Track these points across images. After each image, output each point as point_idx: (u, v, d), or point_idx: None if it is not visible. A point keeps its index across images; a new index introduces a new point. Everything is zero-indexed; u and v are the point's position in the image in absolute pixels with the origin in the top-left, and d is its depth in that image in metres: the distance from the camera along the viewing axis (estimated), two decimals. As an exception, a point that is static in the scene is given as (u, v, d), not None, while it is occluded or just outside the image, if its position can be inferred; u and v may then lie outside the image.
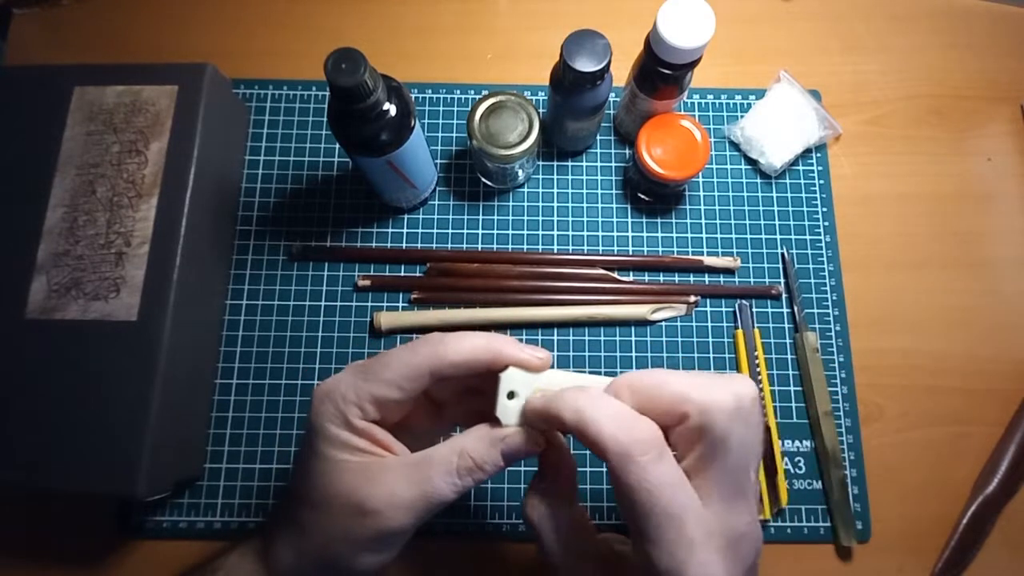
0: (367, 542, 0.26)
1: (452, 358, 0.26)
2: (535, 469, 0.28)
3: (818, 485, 0.42)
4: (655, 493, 0.22)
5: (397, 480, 0.25)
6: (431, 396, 0.30)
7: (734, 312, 0.44)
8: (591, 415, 0.23)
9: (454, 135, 0.48)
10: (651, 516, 0.22)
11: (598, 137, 0.48)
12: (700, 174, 0.46)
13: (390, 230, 0.46)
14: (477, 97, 0.42)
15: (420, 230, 0.46)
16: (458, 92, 0.49)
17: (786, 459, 0.42)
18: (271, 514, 0.30)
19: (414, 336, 0.44)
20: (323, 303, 0.44)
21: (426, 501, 0.25)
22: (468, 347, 0.26)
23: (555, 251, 0.46)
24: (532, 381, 0.27)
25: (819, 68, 0.50)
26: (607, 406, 0.23)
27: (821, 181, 0.47)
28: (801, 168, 0.48)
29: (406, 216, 0.46)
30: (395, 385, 0.26)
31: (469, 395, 0.31)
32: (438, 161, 0.47)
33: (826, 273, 0.45)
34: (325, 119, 0.48)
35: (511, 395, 0.26)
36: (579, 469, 0.37)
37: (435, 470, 0.25)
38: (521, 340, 0.43)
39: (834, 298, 0.45)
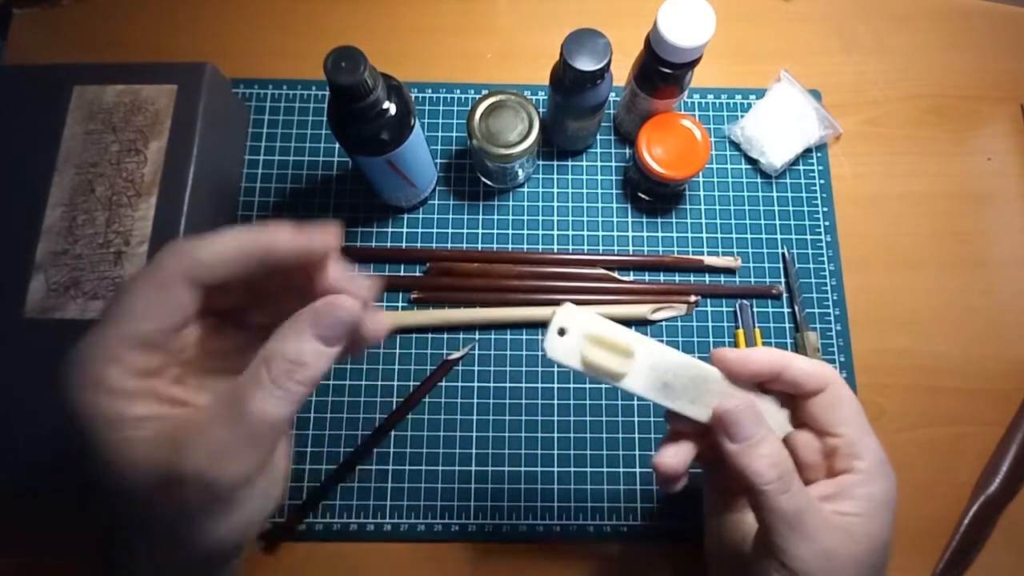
0: (203, 509, 0.20)
1: (206, 258, 0.21)
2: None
3: (819, 485, 0.42)
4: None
5: (212, 427, 0.20)
6: (217, 312, 0.23)
7: (735, 312, 0.44)
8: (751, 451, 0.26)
9: (454, 135, 0.48)
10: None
11: (598, 137, 0.48)
12: (700, 174, 0.46)
13: (390, 230, 0.46)
14: (477, 97, 0.42)
15: (420, 230, 0.46)
16: (458, 92, 0.49)
17: (787, 459, 0.42)
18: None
19: (414, 336, 0.44)
20: (323, 303, 0.44)
21: (256, 434, 0.20)
22: (222, 248, 0.21)
23: (555, 251, 0.46)
24: (587, 325, 0.26)
25: (819, 68, 0.50)
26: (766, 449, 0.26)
27: (821, 181, 0.47)
28: (801, 168, 0.48)
29: (406, 216, 0.46)
30: (147, 316, 0.20)
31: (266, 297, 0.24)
32: (438, 161, 0.47)
33: (826, 273, 0.45)
34: (325, 119, 0.48)
35: (562, 331, 0.26)
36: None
37: (249, 394, 0.20)
38: (521, 340, 0.44)
39: (835, 298, 0.45)
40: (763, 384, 0.29)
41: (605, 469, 0.42)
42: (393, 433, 0.42)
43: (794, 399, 0.28)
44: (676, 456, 0.28)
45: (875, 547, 0.27)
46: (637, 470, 0.42)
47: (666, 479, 0.28)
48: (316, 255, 0.22)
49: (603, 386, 0.43)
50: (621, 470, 0.42)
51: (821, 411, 0.28)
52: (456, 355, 0.43)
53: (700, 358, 0.29)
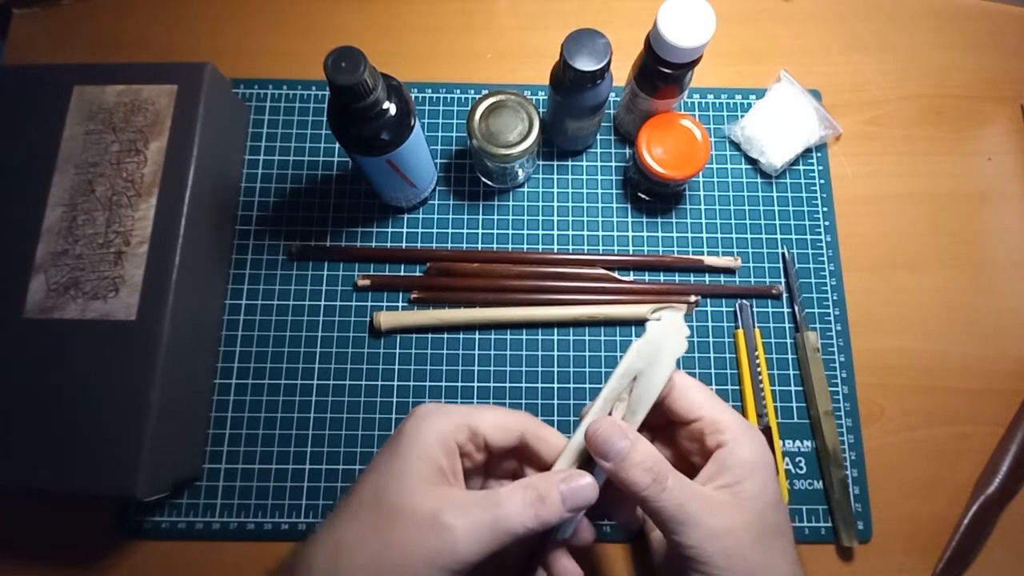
0: (439, 561, 0.24)
1: (547, 434, 0.30)
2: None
3: (819, 485, 0.42)
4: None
5: (471, 504, 0.25)
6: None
7: (734, 312, 0.44)
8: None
9: (454, 135, 0.48)
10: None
11: (598, 137, 0.48)
12: (700, 174, 0.46)
13: (390, 230, 0.46)
14: (477, 97, 0.42)
15: (420, 230, 0.46)
16: (458, 92, 0.49)
17: (787, 459, 0.42)
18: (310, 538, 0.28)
19: (414, 336, 0.44)
20: (323, 303, 0.44)
21: (496, 525, 0.25)
22: (558, 438, 0.30)
23: (555, 251, 0.46)
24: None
25: (819, 68, 0.50)
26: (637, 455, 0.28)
27: (821, 181, 0.47)
28: (801, 168, 0.48)
29: (406, 216, 0.46)
30: (496, 426, 0.29)
31: None
32: (438, 161, 0.47)
33: (826, 273, 0.45)
34: (325, 119, 0.48)
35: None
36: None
37: (507, 498, 0.26)
38: (521, 340, 0.44)
39: (835, 298, 0.45)
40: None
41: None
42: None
43: (657, 406, 0.30)
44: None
45: (764, 507, 0.28)
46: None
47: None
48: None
49: (602, 386, 0.43)
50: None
51: (675, 404, 0.30)
52: None
53: (683, 366, 0.30)
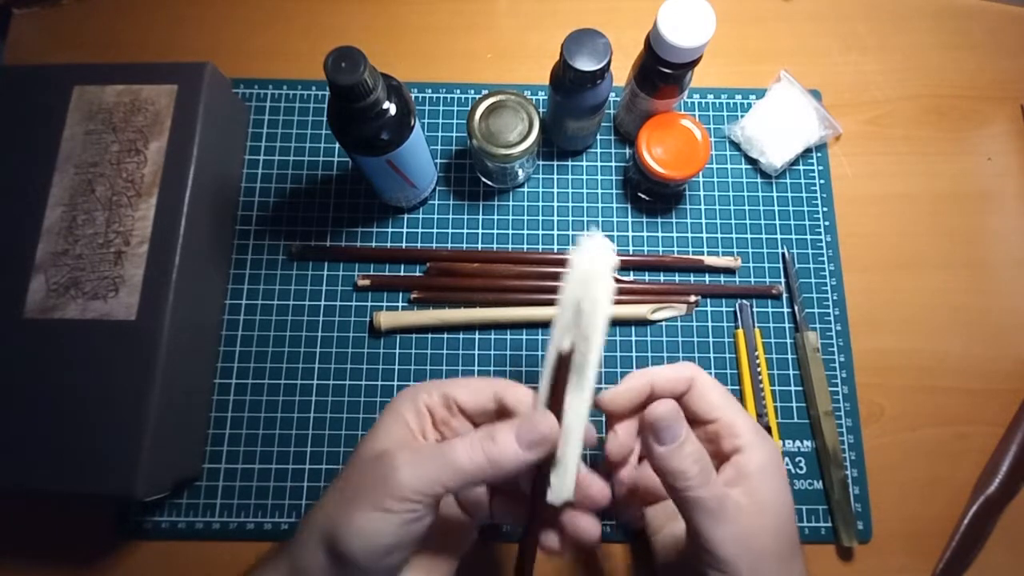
0: (382, 490, 0.25)
1: (518, 391, 0.30)
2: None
3: (819, 485, 0.42)
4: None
5: (424, 448, 0.26)
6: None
7: (734, 312, 0.44)
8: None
9: (454, 135, 0.48)
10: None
11: (598, 137, 0.48)
12: (700, 174, 0.46)
13: (390, 230, 0.46)
14: (477, 97, 0.42)
15: (420, 230, 0.46)
16: (458, 92, 0.49)
17: (787, 459, 0.42)
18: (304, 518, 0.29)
19: (414, 336, 0.44)
20: (323, 303, 0.44)
21: (440, 461, 0.25)
22: (531, 393, 0.29)
23: (555, 251, 0.46)
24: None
25: (819, 68, 0.50)
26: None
27: (821, 181, 0.47)
28: (801, 168, 0.48)
29: (406, 216, 0.46)
30: (466, 388, 0.30)
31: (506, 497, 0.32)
32: (438, 161, 0.47)
33: (826, 273, 0.45)
34: (325, 119, 0.48)
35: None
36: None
37: (457, 441, 0.26)
38: (521, 340, 0.44)
39: (834, 298, 0.45)
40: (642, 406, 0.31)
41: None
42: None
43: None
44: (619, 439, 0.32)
45: (781, 510, 0.28)
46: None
47: (616, 464, 0.33)
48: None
49: (604, 386, 0.43)
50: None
51: (694, 404, 0.31)
52: None
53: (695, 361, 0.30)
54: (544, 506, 0.28)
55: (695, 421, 0.31)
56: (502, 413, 0.30)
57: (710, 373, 0.43)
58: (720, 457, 0.30)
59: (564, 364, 0.28)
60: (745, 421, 0.30)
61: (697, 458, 0.27)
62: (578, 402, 0.28)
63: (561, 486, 0.27)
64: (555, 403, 0.28)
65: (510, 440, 0.26)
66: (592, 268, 0.28)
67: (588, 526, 0.28)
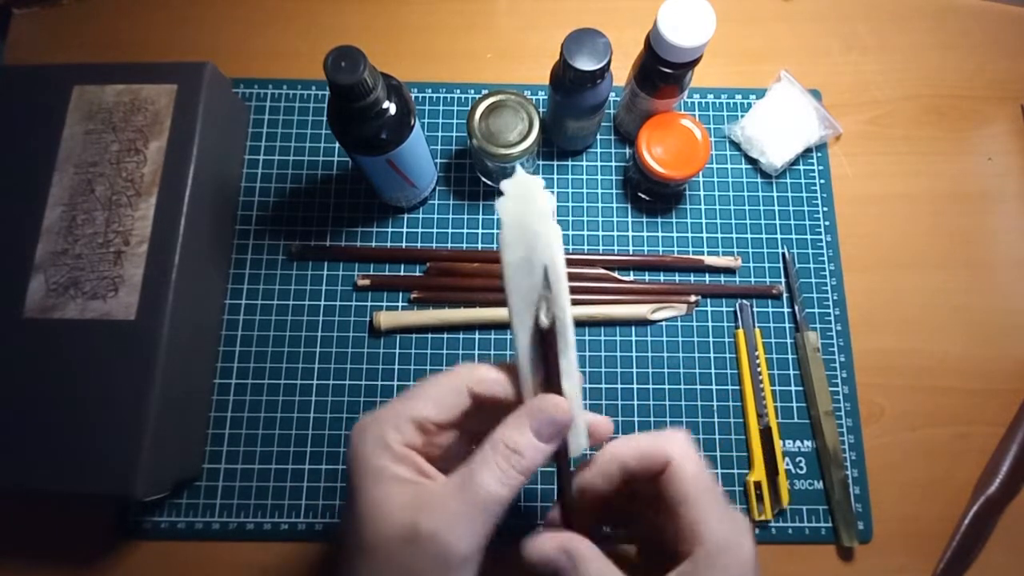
0: (432, 572, 0.23)
1: (485, 374, 0.27)
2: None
3: (819, 485, 0.42)
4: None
5: (446, 497, 0.23)
6: (470, 433, 0.29)
7: (735, 312, 0.44)
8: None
9: (454, 135, 0.48)
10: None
11: (598, 137, 0.48)
12: (700, 173, 0.46)
13: (390, 229, 0.46)
14: (477, 96, 0.42)
15: (420, 229, 0.46)
16: (458, 91, 0.49)
17: (787, 459, 0.42)
18: None
19: (414, 336, 0.44)
20: (323, 303, 0.44)
21: (480, 507, 0.23)
22: (503, 368, 0.26)
23: (555, 251, 0.46)
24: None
25: (819, 68, 0.50)
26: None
27: (821, 181, 0.47)
28: (801, 168, 0.48)
29: (406, 215, 0.46)
30: (432, 400, 0.26)
31: None
32: (438, 161, 0.47)
33: (827, 272, 0.45)
34: (325, 118, 0.48)
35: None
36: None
37: (477, 470, 0.24)
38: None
39: (835, 298, 0.45)
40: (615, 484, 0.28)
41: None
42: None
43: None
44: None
45: None
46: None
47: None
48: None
49: (603, 386, 0.43)
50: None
51: (663, 488, 0.26)
52: None
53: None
54: (569, 462, 0.27)
55: (667, 509, 0.26)
56: (480, 403, 0.27)
57: (710, 373, 0.43)
58: (674, 556, 0.26)
59: (547, 337, 0.25)
60: (715, 526, 0.25)
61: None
62: (567, 365, 0.26)
63: (578, 443, 0.27)
64: (551, 380, 0.26)
65: (531, 443, 0.24)
66: (530, 211, 0.24)
67: (603, 425, 0.28)
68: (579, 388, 0.27)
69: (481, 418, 0.27)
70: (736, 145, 0.48)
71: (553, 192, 0.47)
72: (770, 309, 0.45)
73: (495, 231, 0.46)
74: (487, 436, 0.25)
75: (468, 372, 0.27)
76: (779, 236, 0.46)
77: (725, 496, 0.27)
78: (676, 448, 0.26)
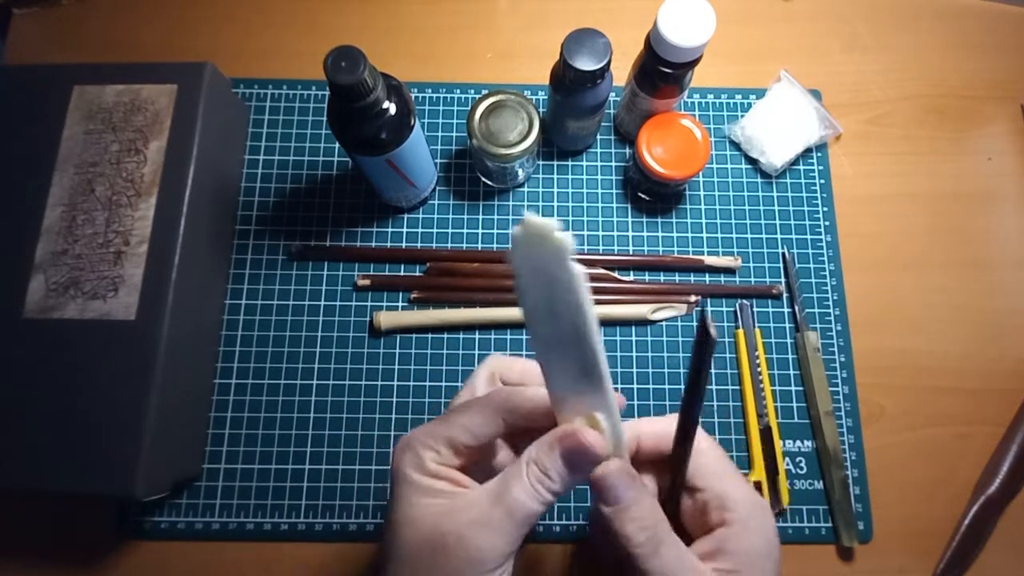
0: (479, 572, 0.24)
1: (520, 402, 0.27)
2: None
3: (819, 485, 0.42)
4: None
5: (478, 505, 0.24)
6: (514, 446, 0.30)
7: (735, 312, 0.44)
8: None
9: (454, 135, 0.48)
10: None
11: (598, 137, 0.48)
12: (700, 173, 0.46)
13: (390, 230, 0.46)
14: (477, 96, 0.42)
15: (420, 230, 0.46)
16: (458, 92, 0.49)
17: (787, 459, 0.42)
18: None
19: (414, 336, 0.44)
20: (323, 303, 0.44)
21: (511, 517, 0.24)
22: (538, 394, 0.26)
23: (555, 251, 0.46)
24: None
25: (819, 68, 0.50)
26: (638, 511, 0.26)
27: (821, 180, 0.47)
28: (801, 167, 0.48)
29: (406, 216, 0.46)
30: (466, 429, 0.26)
31: None
32: (438, 161, 0.47)
33: (827, 272, 0.45)
34: (325, 118, 0.48)
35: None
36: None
37: (512, 483, 0.24)
38: (521, 340, 0.44)
39: (835, 298, 0.45)
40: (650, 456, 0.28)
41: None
42: (392, 432, 0.42)
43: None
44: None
45: None
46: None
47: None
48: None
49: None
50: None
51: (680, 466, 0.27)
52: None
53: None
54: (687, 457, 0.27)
55: (688, 488, 0.28)
56: (518, 420, 0.27)
57: (710, 373, 0.43)
58: (705, 527, 0.27)
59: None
60: (741, 494, 0.27)
61: (645, 525, 0.25)
62: (603, 401, 0.25)
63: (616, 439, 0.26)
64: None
65: (560, 470, 0.24)
66: (545, 254, 0.21)
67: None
68: (617, 415, 0.26)
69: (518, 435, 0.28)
70: (736, 145, 0.48)
71: (554, 192, 0.47)
72: (770, 309, 0.45)
73: (495, 231, 0.46)
74: (526, 447, 0.26)
75: (503, 399, 0.27)
76: (779, 236, 0.46)
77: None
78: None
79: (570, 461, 0.25)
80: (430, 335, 0.44)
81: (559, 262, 0.21)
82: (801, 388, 0.43)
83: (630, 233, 0.46)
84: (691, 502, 0.28)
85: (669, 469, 0.28)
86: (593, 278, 0.45)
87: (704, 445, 0.27)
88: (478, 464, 0.28)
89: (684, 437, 0.26)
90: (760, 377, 0.43)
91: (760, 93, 0.49)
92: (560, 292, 0.21)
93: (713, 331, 0.21)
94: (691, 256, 0.45)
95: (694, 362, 0.23)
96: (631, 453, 0.28)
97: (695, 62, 0.39)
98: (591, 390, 0.24)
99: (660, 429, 0.28)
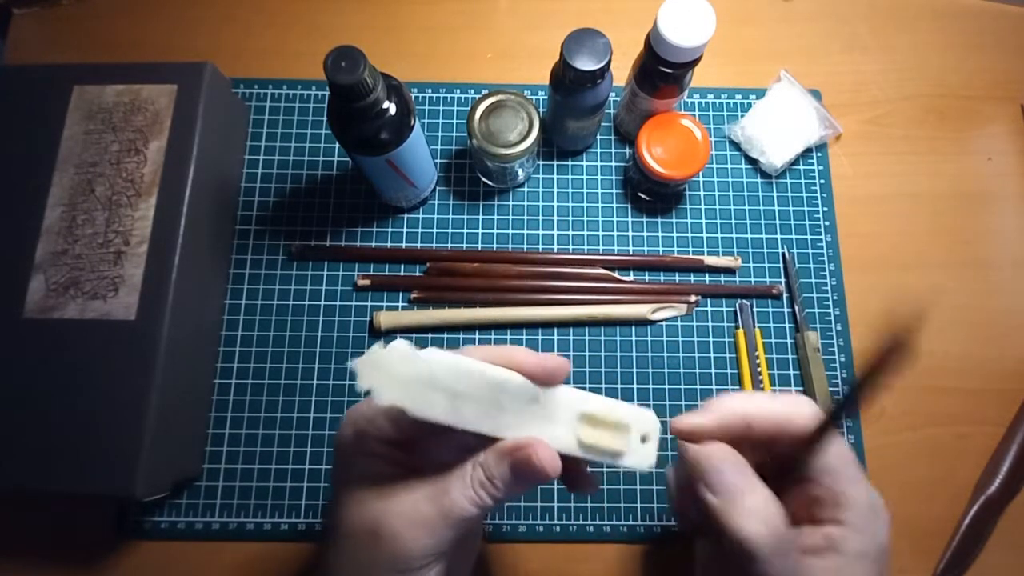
0: (388, 571, 0.24)
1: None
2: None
3: (819, 485, 0.41)
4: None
5: (416, 498, 0.24)
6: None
7: (735, 312, 0.44)
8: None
9: (454, 135, 0.48)
10: None
11: (598, 137, 0.48)
12: (700, 173, 0.46)
13: (390, 229, 0.46)
14: (477, 96, 0.42)
15: (420, 229, 0.46)
16: (458, 91, 0.49)
17: (787, 459, 0.42)
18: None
19: (414, 336, 0.44)
20: (323, 303, 0.44)
21: (444, 517, 0.23)
22: (481, 353, 0.25)
23: (555, 251, 0.46)
24: (578, 405, 0.25)
25: (819, 68, 0.50)
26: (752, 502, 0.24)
27: (821, 180, 0.47)
28: (801, 167, 0.48)
29: (406, 215, 0.46)
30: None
31: None
32: (438, 161, 0.47)
33: (827, 272, 0.45)
34: (325, 118, 0.48)
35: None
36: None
37: (453, 483, 0.24)
38: (521, 340, 0.44)
39: (835, 298, 0.45)
40: (733, 439, 0.26)
41: (605, 469, 0.42)
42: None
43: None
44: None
45: None
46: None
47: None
48: (538, 381, 0.25)
49: (603, 386, 0.43)
50: (621, 471, 0.42)
51: (800, 456, 0.26)
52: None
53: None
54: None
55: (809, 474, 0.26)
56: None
57: (710, 373, 0.43)
58: (813, 521, 0.25)
59: None
60: (860, 497, 0.25)
61: (764, 517, 0.23)
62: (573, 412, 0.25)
63: (645, 456, 0.26)
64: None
65: (507, 479, 0.24)
66: (391, 370, 0.22)
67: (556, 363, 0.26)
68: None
69: None
70: (736, 145, 0.48)
71: (554, 192, 0.46)
72: (770, 309, 0.45)
73: (495, 231, 0.46)
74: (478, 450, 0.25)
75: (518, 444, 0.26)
76: (779, 236, 0.46)
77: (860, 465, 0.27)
78: (817, 413, 0.26)
79: (518, 474, 0.24)
80: (430, 335, 0.44)
81: (411, 361, 0.22)
82: (801, 388, 0.43)
83: (630, 233, 0.46)
84: (797, 489, 0.26)
85: (779, 457, 0.26)
86: (593, 278, 0.45)
87: (832, 437, 0.26)
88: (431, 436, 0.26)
89: (822, 435, 0.25)
90: (760, 377, 0.43)
91: (760, 93, 0.49)
92: (441, 377, 0.23)
93: (905, 341, 0.21)
94: (691, 256, 0.45)
95: (870, 369, 0.22)
96: (736, 433, 0.26)
97: (695, 62, 0.39)
98: (540, 405, 0.25)
99: (777, 414, 0.26)
